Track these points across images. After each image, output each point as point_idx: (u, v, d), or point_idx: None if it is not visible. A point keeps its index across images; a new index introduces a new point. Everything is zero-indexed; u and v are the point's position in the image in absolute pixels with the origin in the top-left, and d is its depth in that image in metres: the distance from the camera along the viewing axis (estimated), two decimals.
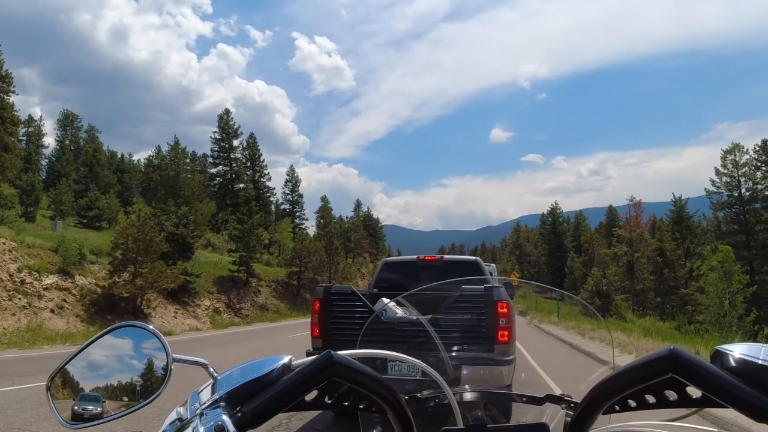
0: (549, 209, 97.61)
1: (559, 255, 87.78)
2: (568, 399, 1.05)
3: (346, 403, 0.81)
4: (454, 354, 1.97)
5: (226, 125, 65.63)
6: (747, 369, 0.65)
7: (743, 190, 52.22)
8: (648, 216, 62.15)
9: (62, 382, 0.86)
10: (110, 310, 23.40)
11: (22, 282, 20.65)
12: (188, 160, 57.83)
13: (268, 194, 69.47)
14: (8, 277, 20.28)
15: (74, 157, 58.27)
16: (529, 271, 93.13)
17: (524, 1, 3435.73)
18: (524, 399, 1.21)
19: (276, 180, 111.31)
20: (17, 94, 33.77)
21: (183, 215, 35.58)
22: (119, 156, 69.04)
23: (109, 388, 0.83)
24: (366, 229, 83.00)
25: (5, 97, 31.35)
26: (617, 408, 0.79)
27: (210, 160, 67.08)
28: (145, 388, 0.82)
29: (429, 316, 2.62)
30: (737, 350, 0.68)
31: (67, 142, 63.66)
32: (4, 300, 19.47)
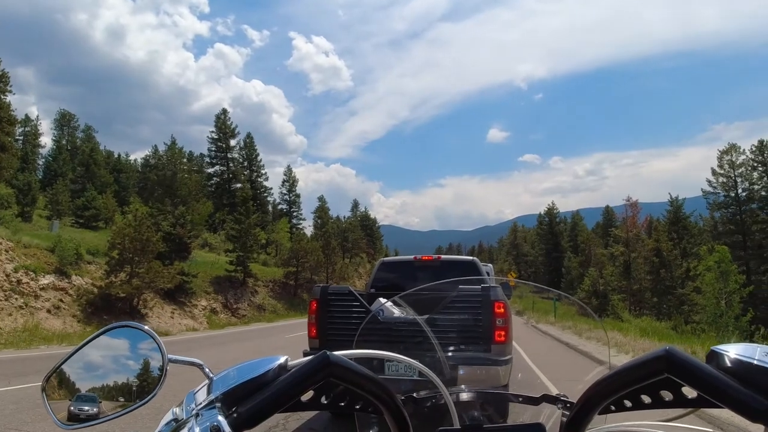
0: (546, 209, 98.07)
1: (556, 255, 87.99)
2: (565, 399, 1.05)
3: (343, 404, 0.81)
4: (450, 354, 1.96)
5: (223, 125, 65.57)
6: (742, 369, 0.65)
7: (740, 191, 52.46)
8: (645, 216, 62.34)
9: (58, 382, 0.86)
10: (107, 310, 23.35)
11: (19, 282, 20.59)
12: (185, 160, 57.56)
13: (265, 194, 69.46)
14: (5, 277, 20.23)
15: (71, 156, 58.15)
16: (526, 271, 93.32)
17: (522, 1, 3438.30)
18: (520, 399, 1.21)
19: (273, 180, 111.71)
20: (14, 94, 33.77)
21: (180, 215, 35.52)
22: (116, 156, 68.94)
23: (105, 389, 0.83)
24: (363, 229, 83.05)
25: (2, 97, 31.30)
26: (613, 408, 0.79)
27: (207, 159, 67.06)
28: (141, 388, 0.81)
29: (426, 316, 2.62)
30: (732, 350, 0.68)
31: (63, 141, 63.54)
32: (1, 300, 19.41)
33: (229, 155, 65.74)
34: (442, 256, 8.75)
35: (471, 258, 8.83)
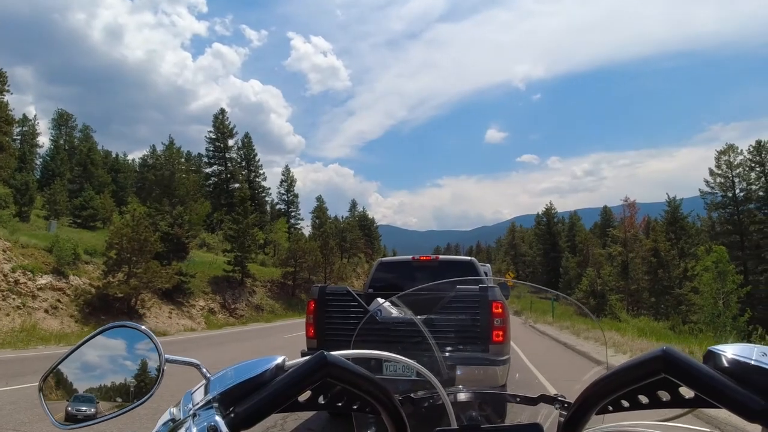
0: (544, 209, 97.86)
1: (554, 255, 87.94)
2: (562, 399, 1.05)
3: (340, 404, 0.81)
4: (448, 354, 1.96)
5: (221, 125, 65.47)
6: (739, 369, 0.65)
7: (737, 191, 52.55)
8: (642, 216, 62.46)
9: (55, 382, 0.86)
10: (104, 310, 23.31)
11: (16, 282, 20.55)
12: (183, 160, 57.44)
13: (263, 194, 69.38)
14: (2, 277, 20.17)
15: (69, 156, 57.95)
16: (524, 272, 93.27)
17: (519, 2, 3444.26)
18: (518, 399, 1.21)
19: (271, 180, 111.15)
20: (11, 93, 33.81)
21: (178, 215, 35.48)
22: (114, 155, 68.74)
23: (102, 389, 0.83)
24: (361, 229, 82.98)
25: None
26: (610, 408, 0.79)
27: (205, 159, 66.86)
28: (139, 388, 0.82)
29: (424, 316, 2.62)
30: (730, 351, 0.68)
31: (61, 141, 63.28)
32: None
33: (227, 155, 65.64)
34: (440, 256, 8.75)
35: (469, 258, 8.84)
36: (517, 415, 1.31)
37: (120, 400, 0.82)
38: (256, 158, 69.48)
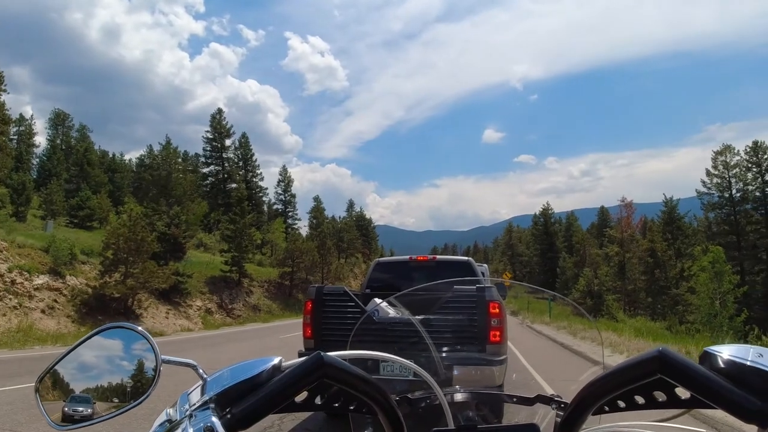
0: (541, 210, 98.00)
1: (551, 255, 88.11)
2: (559, 399, 1.05)
3: (337, 405, 0.81)
4: (445, 354, 1.96)
5: (218, 125, 65.48)
6: (735, 370, 0.66)
7: (734, 191, 52.72)
8: (639, 216, 62.62)
9: (52, 383, 0.86)
10: (101, 310, 23.27)
11: (13, 282, 20.50)
12: (180, 160, 57.60)
13: (260, 194, 69.45)
14: None
15: (65, 156, 57.89)
16: (521, 272, 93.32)
17: (517, 3, 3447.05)
18: (515, 399, 1.21)
19: (268, 180, 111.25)
20: (8, 93, 33.64)
21: (175, 215, 35.44)
22: (110, 155, 68.70)
23: (99, 389, 0.83)
24: (359, 230, 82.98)
25: None
26: (607, 408, 0.79)
27: (202, 159, 66.87)
28: (135, 389, 0.81)
29: (421, 317, 2.62)
30: (726, 351, 0.68)
31: (58, 141, 63.22)
32: None
33: (224, 155, 65.64)
34: (438, 257, 8.75)
35: (466, 258, 8.83)
36: (514, 415, 1.31)
37: (117, 400, 0.82)
38: (254, 158, 69.58)
